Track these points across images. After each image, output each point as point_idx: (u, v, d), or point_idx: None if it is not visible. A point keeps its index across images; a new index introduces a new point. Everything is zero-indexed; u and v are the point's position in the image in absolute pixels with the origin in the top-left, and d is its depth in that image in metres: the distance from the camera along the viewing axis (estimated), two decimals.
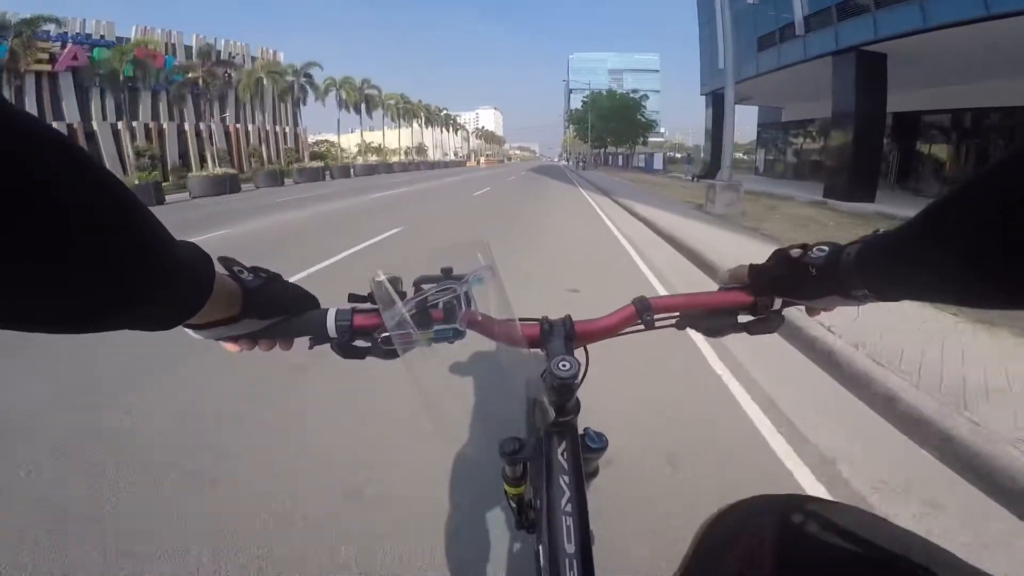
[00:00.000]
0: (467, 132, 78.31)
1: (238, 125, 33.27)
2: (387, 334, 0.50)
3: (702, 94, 23.30)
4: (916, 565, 0.38)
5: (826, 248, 0.49)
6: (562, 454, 0.54)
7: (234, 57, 32.90)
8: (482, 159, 78.45)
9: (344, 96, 36.98)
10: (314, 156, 37.83)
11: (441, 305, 0.52)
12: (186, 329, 0.42)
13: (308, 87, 33.45)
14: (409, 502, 1.65)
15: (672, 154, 60.32)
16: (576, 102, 65.61)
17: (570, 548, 0.45)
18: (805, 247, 0.51)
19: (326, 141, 44.81)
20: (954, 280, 0.35)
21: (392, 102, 45.13)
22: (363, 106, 39.10)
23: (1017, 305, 0.33)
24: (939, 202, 0.36)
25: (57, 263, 0.24)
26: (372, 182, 24.90)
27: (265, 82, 30.67)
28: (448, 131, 69.97)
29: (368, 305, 0.54)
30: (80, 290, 0.26)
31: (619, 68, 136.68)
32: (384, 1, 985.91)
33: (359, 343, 0.55)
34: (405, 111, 48.23)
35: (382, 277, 0.50)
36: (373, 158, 43.72)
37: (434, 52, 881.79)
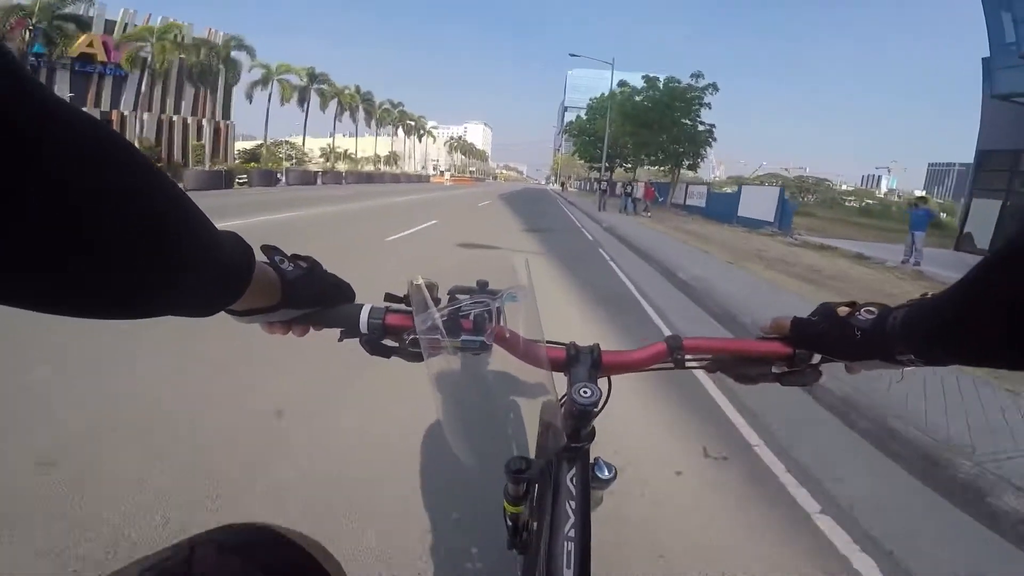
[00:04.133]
0: (433, 139, 62.51)
1: (127, 113, 25.85)
2: (415, 336, 0.51)
3: (995, 95, 7.96)
4: None
5: (874, 311, 0.49)
6: (571, 479, 0.54)
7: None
8: (447, 175, 62.43)
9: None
10: (252, 158, 30.35)
11: (472, 316, 0.53)
12: (225, 312, 0.43)
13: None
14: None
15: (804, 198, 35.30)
16: (572, 121, 50.65)
17: (569, 573, 0.45)
18: (854, 306, 0.51)
19: (286, 143, 36.74)
20: (1002, 345, 0.34)
21: (296, 79, 28.50)
22: (221, 76, 22.72)
23: None
24: (984, 264, 0.34)
25: (102, 251, 0.24)
26: None
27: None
28: (411, 137, 53.73)
29: (401, 306, 0.55)
30: (124, 277, 0.26)
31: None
32: (386, 8, 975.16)
33: (387, 342, 0.56)
34: (331, 97, 31.85)
35: (420, 281, 0.51)
36: (341, 165, 39.61)
37: (428, 62, 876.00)
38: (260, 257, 0.44)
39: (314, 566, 0.43)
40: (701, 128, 23.38)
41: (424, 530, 1.64)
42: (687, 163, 24.46)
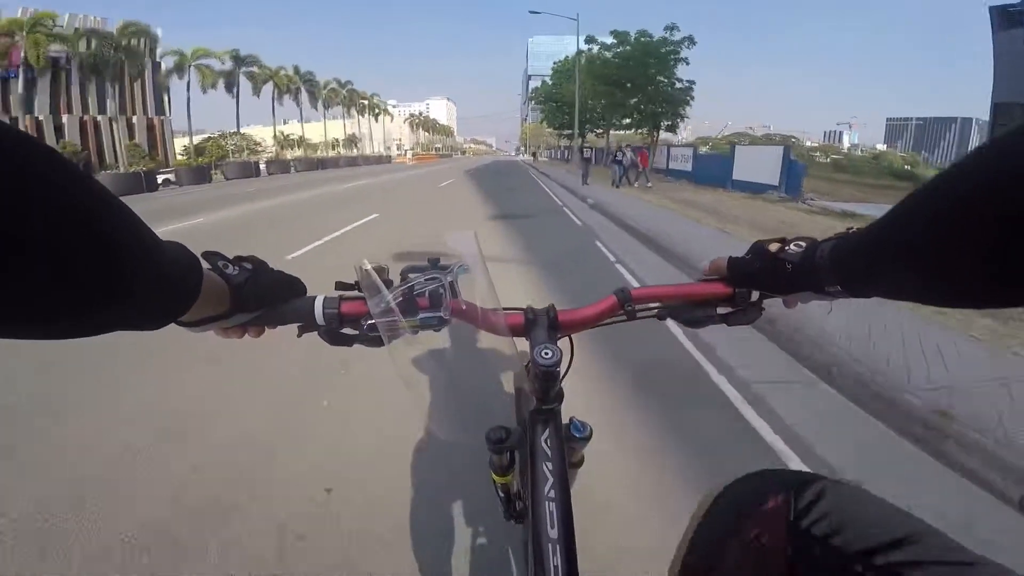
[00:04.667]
0: (391, 117, 58.27)
1: (42, 117, 23.23)
2: (373, 321, 0.51)
3: None
4: (927, 558, 0.39)
5: (803, 244, 0.50)
6: (545, 441, 0.54)
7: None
8: (408, 154, 58.80)
9: None
10: (199, 153, 27.76)
11: (427, 294, 0.53)
12: (176, 324, 0.42)
13: None
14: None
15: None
16: (537, 88, 48.30)
17: (553, 533, 0.46)
18: (783, 241, 0.52)
19: (236, 134, 34.32)
20: (919, 280, 0.35)
21: (218, 63, 24.98)
22: (124, 67, 19.41)
23: (981, 305, 0.34)
24: (904, 202, 0.35)
25: (42, 269, 0.24)
26: None
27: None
28: (366, 117, 49.88)
29: (355, 293, 0.54)
30: (67, 295, 0.26)
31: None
32: None
33: (347, 330, 0.56)
34: (263, 81, 28.31)
35: (368, 266, 0.51)
36: (296, 152, 36.85)
37: (385, 40, 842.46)
38: (204, 265, 0.44)
39: None
40: (679, 85, 21.22)
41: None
42: (665, 124, 22.37)
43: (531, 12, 23.21)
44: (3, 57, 19.62)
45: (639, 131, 22.81)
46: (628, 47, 20.75)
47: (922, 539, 0.41)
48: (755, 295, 0.58)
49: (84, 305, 0.28)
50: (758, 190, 12.90)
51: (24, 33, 18.45)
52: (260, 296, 0.50)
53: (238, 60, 26.85)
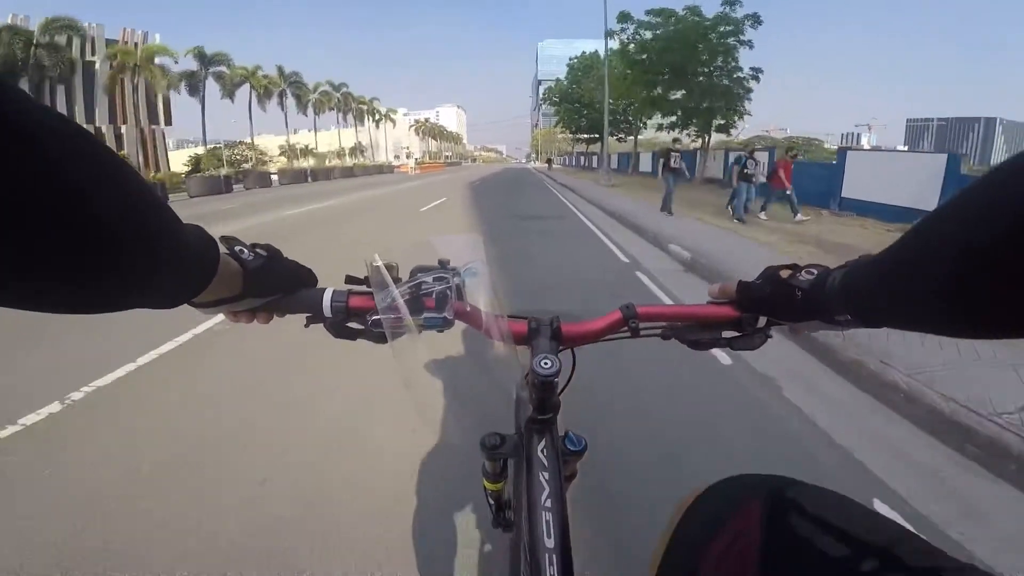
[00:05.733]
0: (393, 123, 54.34)
1: None
2: (378, 317, 0.52)
3: None
4: (900, 560, 0.39)
5: (815, 271, 0.50)
6: (542, 451, 0.55)
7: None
8: (411, 162, 54.75)
9: None
10: (195, 166, 24.02)
11: (434, 294, 0.53)
12: (188, 305, 0.43)
13: None
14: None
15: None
16: (551, 87, 45.11)
17: (549, 543, 0.46)
18: (795, 268, 0.52)
19: (241, 143, 33.01)
20: (931, 310, 0.34)
21: (173, 63, 21.08)
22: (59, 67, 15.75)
23: (997, 335, 0.31)
24: (916, 229, 0.34)
25: (71, 251, 0.24)
26: None
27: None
28: (362, 123, 46.05)
29: (364, 288, 0.55)
30: (92, 277, 0.26)
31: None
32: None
33: (352, 324, 0.56)
34: (234, 83, 24.51)
35: (379, 261, 0.52)
36: (309, 162, 36.15)
37: (395, 47, 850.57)
38: (220, 248, 0.45)
39: None
40: (740, 75, 16.75)
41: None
42: (717, 122, 17.91)
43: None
44: None
45: (685, 131, 18.34)
46: (673, 27, 16.42)
47: (900, 544, 0.40)
48: (762, 321, 0.57)
49: (112, 284, 0.28)
50: (896, 217, 8.51)
51: None
52: (272, 283, 0.52)
53: (203, 59, 22.98)
